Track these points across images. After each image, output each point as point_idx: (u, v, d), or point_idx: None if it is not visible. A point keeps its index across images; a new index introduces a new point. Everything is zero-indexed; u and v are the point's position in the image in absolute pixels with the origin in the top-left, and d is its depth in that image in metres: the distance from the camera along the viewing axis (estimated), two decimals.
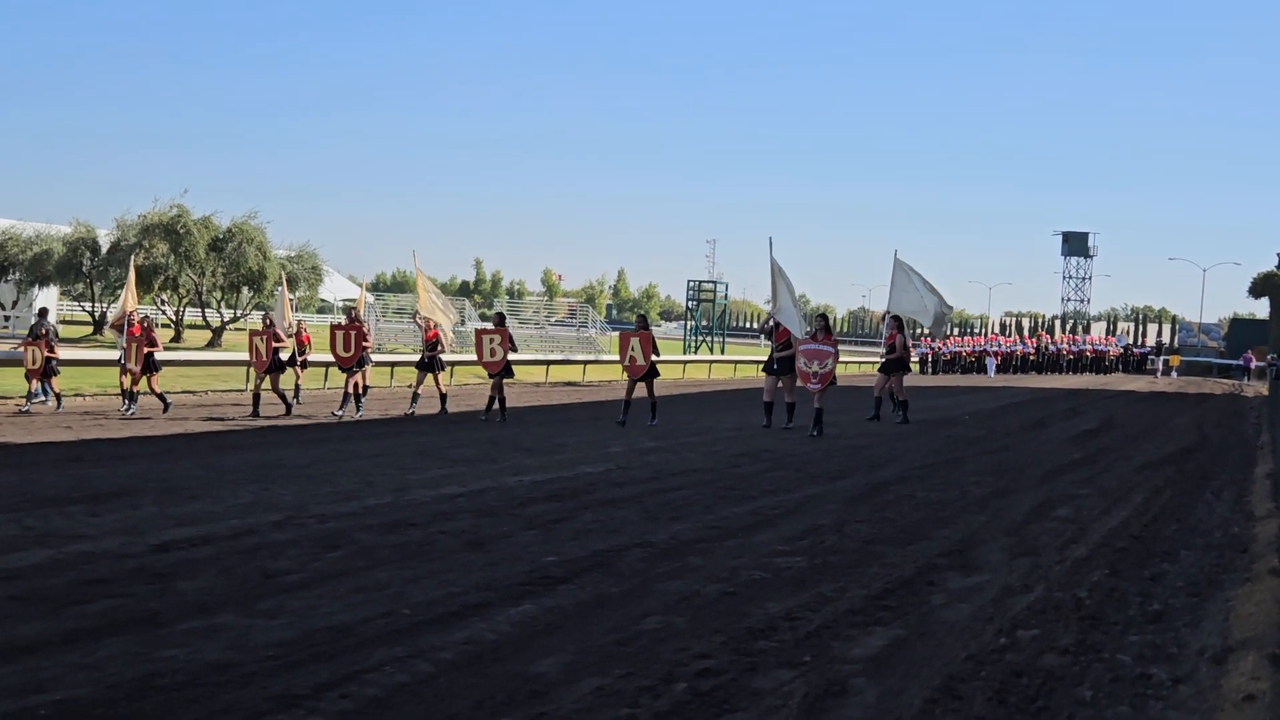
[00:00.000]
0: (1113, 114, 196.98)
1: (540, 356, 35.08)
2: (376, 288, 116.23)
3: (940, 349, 57.05)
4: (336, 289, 72.91)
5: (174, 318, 44.78)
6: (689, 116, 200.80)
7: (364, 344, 18.25)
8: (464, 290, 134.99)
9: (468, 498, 9.16)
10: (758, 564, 6.88)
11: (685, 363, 42.31)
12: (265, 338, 18.11)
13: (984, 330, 75.54)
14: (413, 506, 8.64)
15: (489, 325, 19.27)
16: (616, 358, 18.67)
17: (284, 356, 18.99)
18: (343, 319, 19.83)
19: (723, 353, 56.88)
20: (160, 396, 17.90)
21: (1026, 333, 73.68)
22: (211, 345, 39.27)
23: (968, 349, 58.20)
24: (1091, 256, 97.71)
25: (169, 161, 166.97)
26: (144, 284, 40.74)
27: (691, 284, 64.71)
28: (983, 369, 54.21)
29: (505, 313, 18.45)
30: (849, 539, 7.86)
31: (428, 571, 6.38)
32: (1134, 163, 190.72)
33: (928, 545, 7.72)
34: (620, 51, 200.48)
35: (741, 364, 45.16)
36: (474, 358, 19.55)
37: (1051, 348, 61.07)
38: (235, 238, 42.04)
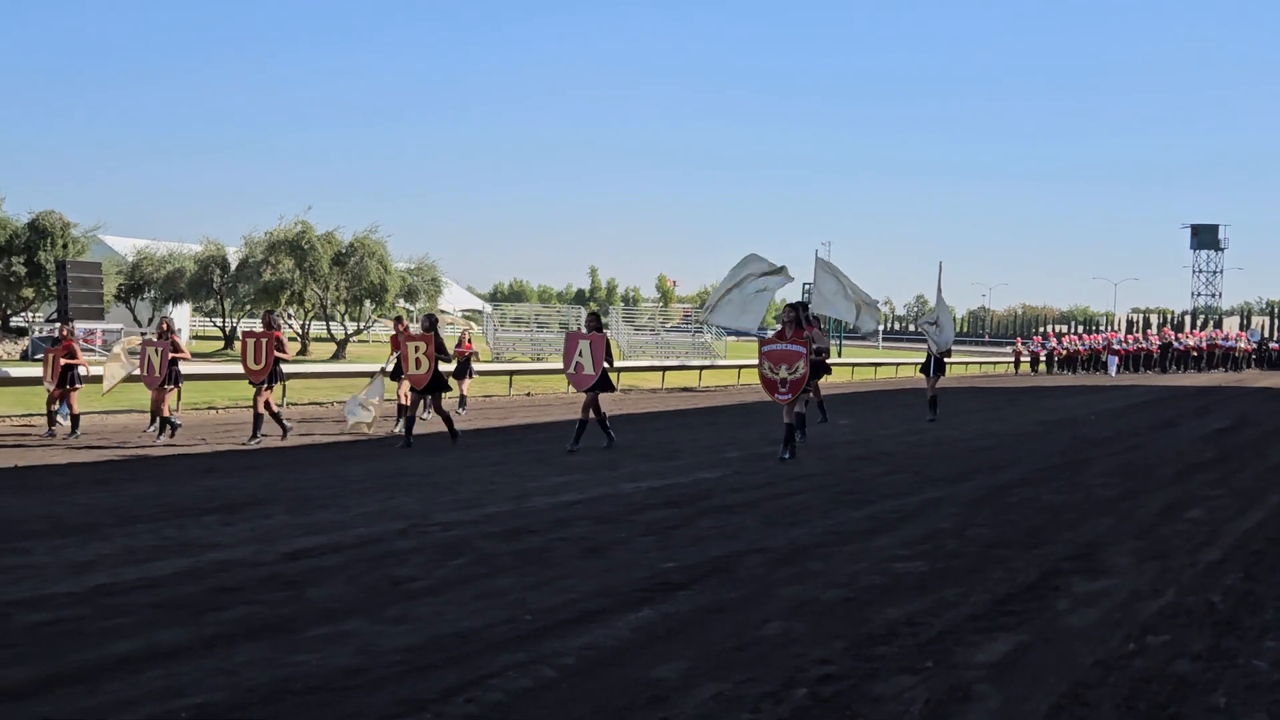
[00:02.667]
0: (1242, 101, 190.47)
1: (656, 363, 35.20)
2: (494, 297, 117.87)
3: (1055, 348, 55.45)
4: (455, 300, 74.00)
5: (300, 331, 45.97)
6: (800, 121, 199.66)
7: (280, 355, 15.42)
8: (579, 298, 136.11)
9: (586, 504, 9.26)
10: (877, 569, 6.83)
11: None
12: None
13: (1108, 327, 73.41)
14: (532, 514, 8.76)
15: (413, 331, 16.22)
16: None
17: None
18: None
19: (839, 356, 56.38)
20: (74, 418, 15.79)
21: (1153, 329, 71.50)
22: (336, 358, 40.20)
23: (1084, 347, 56.27)
24: (1222, 249, 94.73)
25: (294, 179, 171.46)
26: (270, 298, 41.93)
27: (806, 286, 64.30)
28: (1103, 368, 52.52)
29: (437, 316, 16.26)
30: (970, 543, 7.75)
31: (548, 578, 6.47)
32: (1267, 151, 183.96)
33: (1052, 549, 7.58)
34: (733, 60, 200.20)
35: (858, 367, 44.74)
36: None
37: (1178, 344, 58.87)
38: (357, 252, 42.94)
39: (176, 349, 15.76)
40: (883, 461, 12.70)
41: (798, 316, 13.08)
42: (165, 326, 16.15)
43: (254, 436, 14.93)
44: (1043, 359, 54.66)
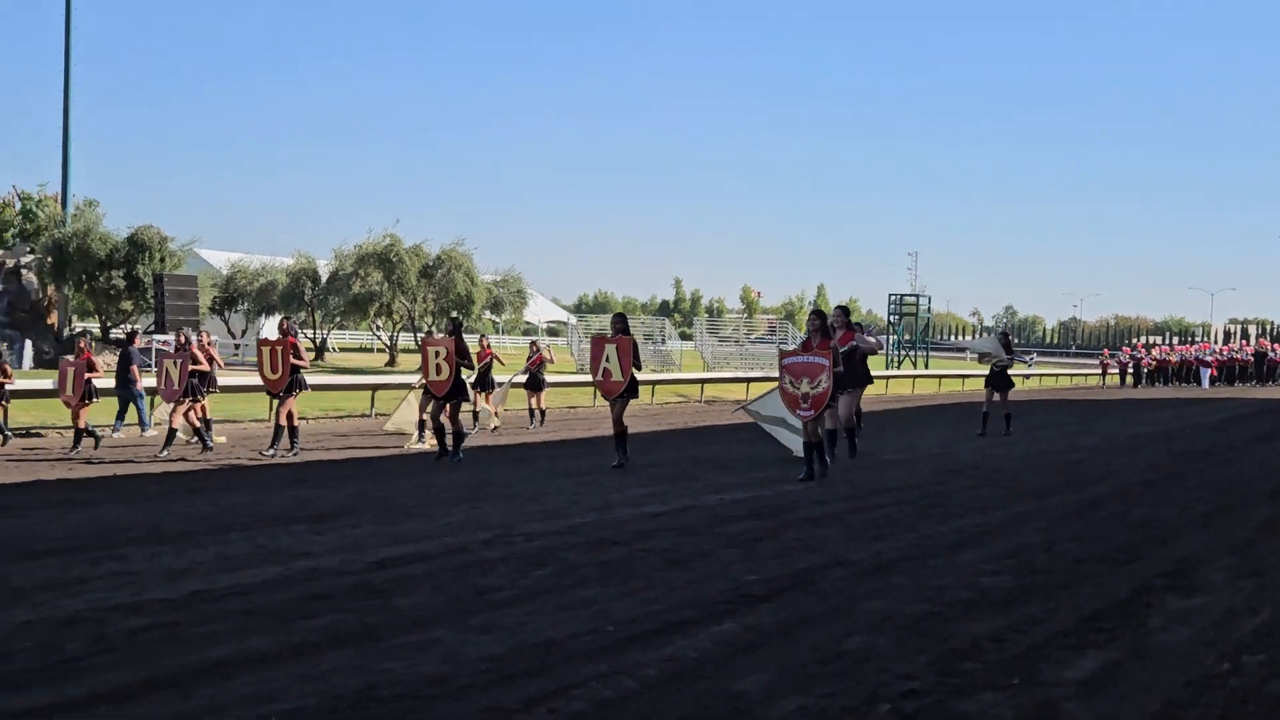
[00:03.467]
0: None
1: (740, 374, 35.14)
2: (579, 309, 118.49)
3: (1144, 359, 54.07)
4: (540, 312, 74.65)
5: (388, 342, 46.65)
6: (887, 130, 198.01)
7: (297, 362, 14.82)
8: (664, 309, 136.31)
9: (669, 516, 9.27)
10: (963, 584, 6.75)
11: (888, 378, 41.65)
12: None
13: (1203, 338, 71.44)
14: (616, 525, 8.80)
15: (438, 335, 15.58)
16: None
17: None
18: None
19: (926, 367, 55.74)
20: (90, 432, 15.77)
21: (1250, 341, 69.50)
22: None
23: (1176, 358, 54.63)
24: None
25: (382, 192, 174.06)
26: (359, 310, 42.64)
27: (893, 297, 63.69)
28: (1196, 380, 51.02)
29: (461, 319, 15.67)
30: (1059, 558, 7.62)
31: (631, 589, 6.49)
32: None
33: (1144, 565, 7.43)
34: (820, 73, 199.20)
35: (947, 378, 44.21)
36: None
37: (1274, 355, 57.00)
38: (444, 264, 43.54)
39: (197, 361, 15.40)
40: (969, 475, 12.54)
41: (823, 325, 12.09)
42: (183, 339, 15.85)
43: (272, 447, 14.79)
44: (1131, 371, 53.35)
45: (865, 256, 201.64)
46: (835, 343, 11.95)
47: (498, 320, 59.63)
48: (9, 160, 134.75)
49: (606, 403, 12.96)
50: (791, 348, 12.16)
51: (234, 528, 8.51)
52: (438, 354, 14.06)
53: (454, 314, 38.16)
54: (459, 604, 6.10)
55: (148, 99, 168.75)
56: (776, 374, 12.39)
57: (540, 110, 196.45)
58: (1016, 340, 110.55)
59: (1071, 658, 5.17)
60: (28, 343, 34.61)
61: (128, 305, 38.45)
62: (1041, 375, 57.61)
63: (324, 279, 45.00)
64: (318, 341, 48.24)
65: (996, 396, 18.57)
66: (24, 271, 39.07)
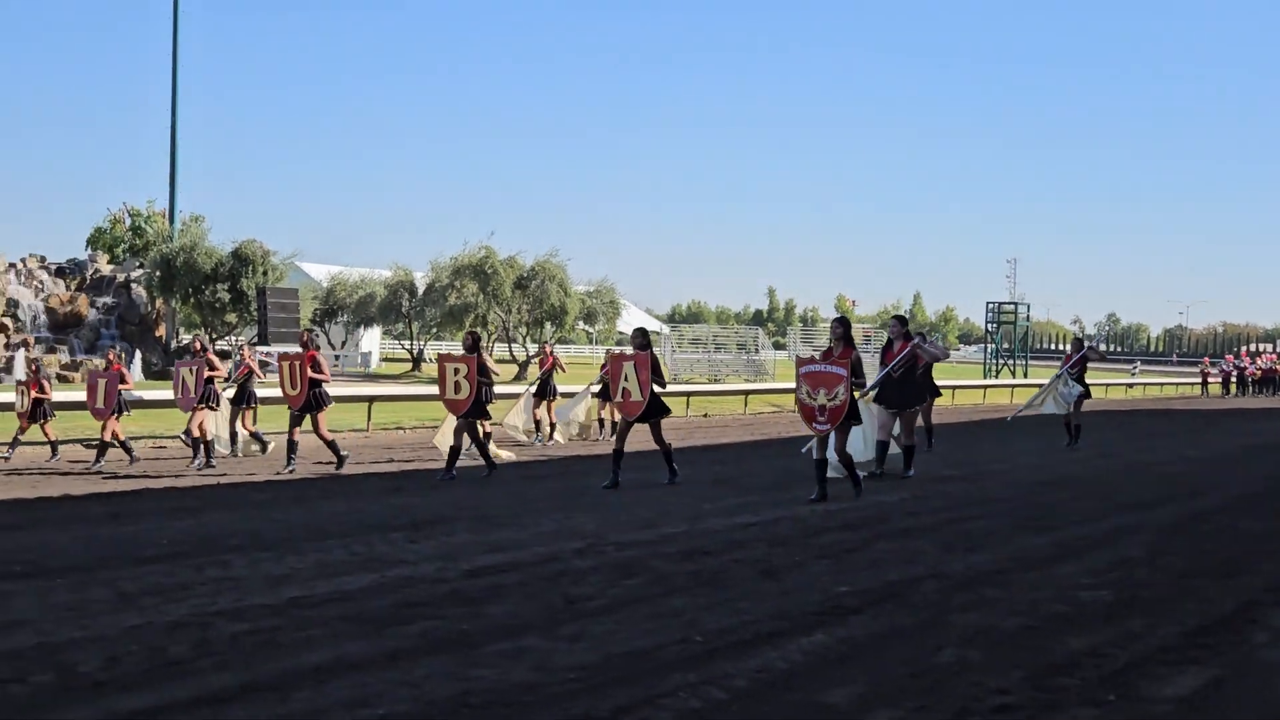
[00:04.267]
0: None
1: None
2: (672, 319, 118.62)
3: (1248, 368, 52.35)
4: (634, 322, 74.77)
5: None
6: (984, 136, 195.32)
7: (317, 376, 13.97)
8: (757, 319, 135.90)
9: (761, 527, 9.25)
10: (1060, 597, 6.63)
11: (985, 387, 41.04)
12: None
13: None
14: (707, 535, 8.80)
15: (453, 353, 14.44)
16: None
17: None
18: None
19: (1025, 376, 54.77)
20: (123, 445, 15.28)
21: None
22: (517, 379, 41.12)
23: None
24: None
25: (477, 204, 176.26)
26: (455, 322, 43.17)
27: (991, 305, 62.66)
28: None
29: (479, 334, 14.79)
30: (1161, 572, 7.45)
31: (721, 599, 6.49)
32: None
33: (1250, 579, 7.23)
34: (911, 79, 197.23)
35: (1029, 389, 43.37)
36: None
37: None
38: (538, 275, 43.92)
39: (213, 367, 14.91)
40: (1069, 486, 12.31)
41: (846, 334, 11.12)
42: (199, 345, 15.49)
43: (338, 464, 14.09)
44: (1235, 380, 51.72)
45: (962, 264, 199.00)
46: (857, 354, 11.02)
47: (591, 331, 60.07)
48: (120, 178, 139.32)
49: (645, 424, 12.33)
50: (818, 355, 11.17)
51: (332, 535, 8.69)
52: (457, 371, 13.44)
53: (473, 329, 38.21)
54: (550, 612, 6.15)
55: (250, 115, 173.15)
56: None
57: (634, 122, 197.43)
58: (1115, 349, 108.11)
59: (1171, 674, 5.06)
60: (137, 354, 35.66)
61: (232, 318, 39.42)
62: (1145, 384, 56.31)
63: (421, 291, 45.65)
64: (414, 352, 48.92)
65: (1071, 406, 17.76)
66: (134, 285, 40.29)
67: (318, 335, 16.46)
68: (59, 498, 11.10)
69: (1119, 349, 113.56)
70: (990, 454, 16.50)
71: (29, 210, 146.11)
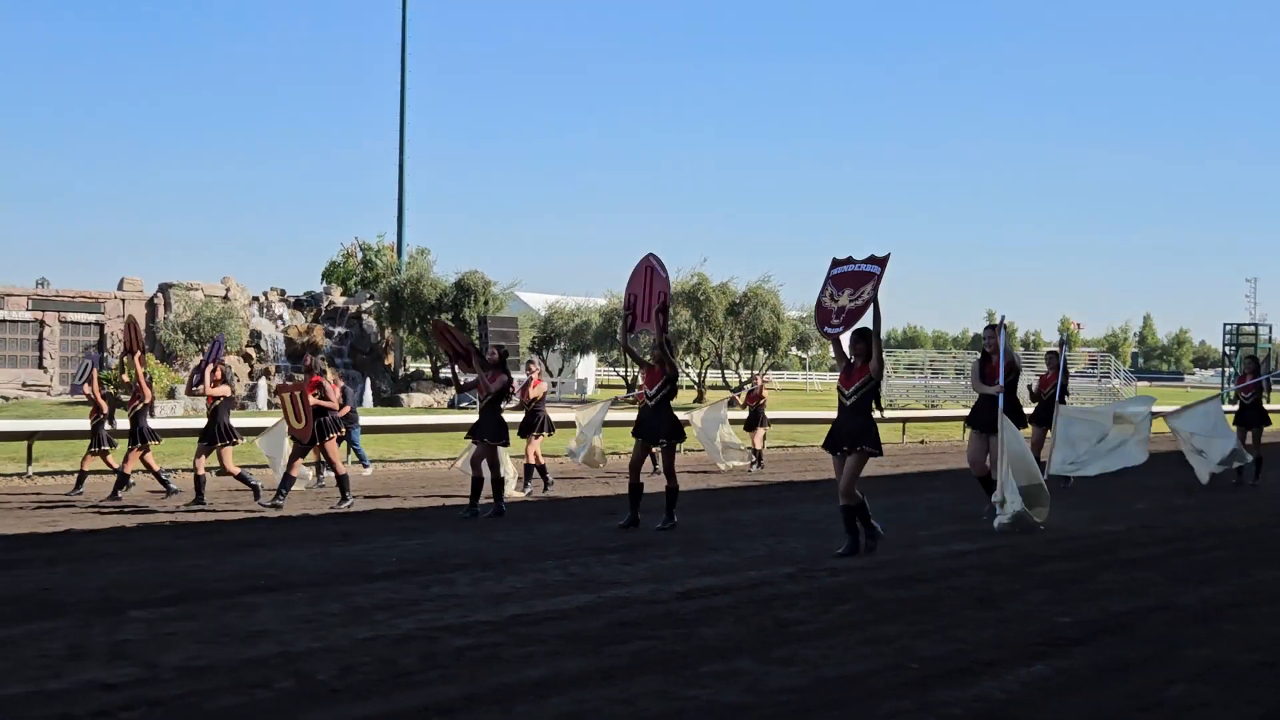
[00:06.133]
0: None
1: None
2: (888, 343, 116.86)
3: None
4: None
5: (696, 379, 47.53)
6: (1221, 151, 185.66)
7: (324, 404, 12.69)
8: (975, 343, 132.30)
9: (978, 555, 9.05)
10: None
11: (1229, 413, 38.81)
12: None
13: None
14: (922, 562, 8.67)
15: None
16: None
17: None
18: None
19: (1267, 401, 51.59)
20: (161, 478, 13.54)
21: None
22: (730, 405, 41.25)
23: None
24: None
25: (689, 231, 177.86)
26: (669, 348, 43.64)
27: (1229, 327, 59.39)
28: None
29: (505, 349, 13.23)
30: None
31: (936, 627, 6.40)
32: None
33: None
34: (1141, 98, 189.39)
35: None
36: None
37: None
38: (750, 301, 43.99)
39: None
40: None
41: (868, 350, 8.96)
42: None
43: (343, 500, 12.58)
44: None
45: (1196, 284, 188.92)
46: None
47: (804, 356, 59.71)
48: (353, 215, 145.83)
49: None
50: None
51: (550, 556, 8.94)
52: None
53: (499, 343, 37.33)
54: (762, 636, 6.19)
55: (472, 150, 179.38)
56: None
57: (846, 147, 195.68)
58: None
59: None
60: (367, 381, 37.40)
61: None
62: None
63: None
64: (629, 379, 49.67)
65: (1249, 437, 15.79)
66: (365, 316, 42.28)
67: (323, 360, 15.95)
68: (297, 517, 11.76)
69: None
70: (1222, 481, 15.50)
71: (270, 247, 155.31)
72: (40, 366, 36.11)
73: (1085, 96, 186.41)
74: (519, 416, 15.10)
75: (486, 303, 39.82)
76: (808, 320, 46.97)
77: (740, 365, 47.93)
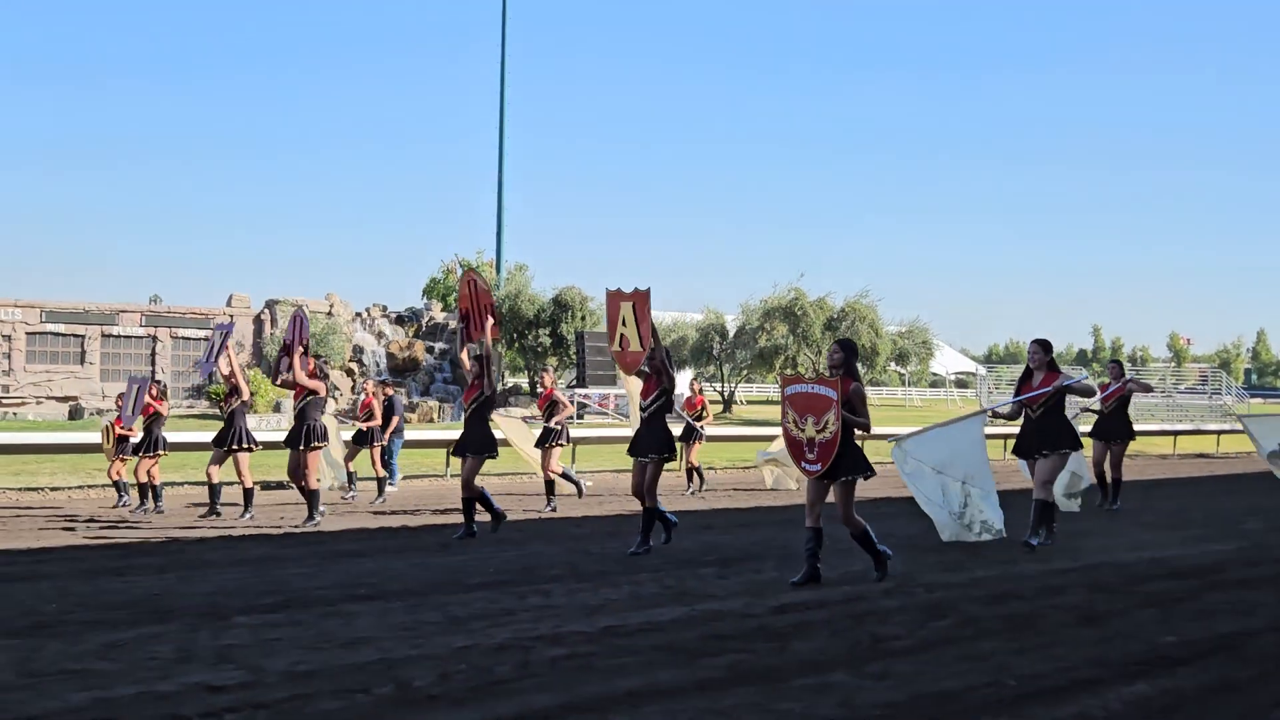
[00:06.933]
0: None
1: (1166, 426, 32.92)
2: (988, 359, 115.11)
3: None
4: (948, 363, 73.05)
5: None
6: None
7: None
8: (1081, 358, 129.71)
9: (1080, 572, 8.88)
10: None
11: None
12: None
13: None
14: (1021, 579, 8.54)
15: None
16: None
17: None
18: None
19: None
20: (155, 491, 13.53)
21: None
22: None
23: None
24: None
25: (787, 246, 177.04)
26: (765, 364, 43.48)
27: None
28: None
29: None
30: None
31: (1034, 644, 6.30)
32: None
33: None
34: (1253, 107, 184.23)
35: None
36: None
37: None
38: (848, 316, 43.67)
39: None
40: None
41: (848, 360, 8.54)
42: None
43: (310, 515, 11.95)
44: None
45: None
46: (858, 386, 8.47)
47: (903, 372, 59.06)
48: (453, 232, 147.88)
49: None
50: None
51: (645, 569, 8.98)
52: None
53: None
54: (856, 650, 6.15)
55: (571, 166, 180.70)
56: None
57: (943, 158, 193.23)
58: None
59: None
60: None
61: (552, 361, 41.26)
62: None
63: (731, 333, 46.29)
64: (726, 394, 49.59)
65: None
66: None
67: (326, 362, 16.04)
68: (397, 528, 11.96)
69: None
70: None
71: (373, 263, 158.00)
72: (152, 380, 37.27)
73: (1193, 111, 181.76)
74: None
75: (583, 318, 40.10)
76: (907, 335, 46.55)
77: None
